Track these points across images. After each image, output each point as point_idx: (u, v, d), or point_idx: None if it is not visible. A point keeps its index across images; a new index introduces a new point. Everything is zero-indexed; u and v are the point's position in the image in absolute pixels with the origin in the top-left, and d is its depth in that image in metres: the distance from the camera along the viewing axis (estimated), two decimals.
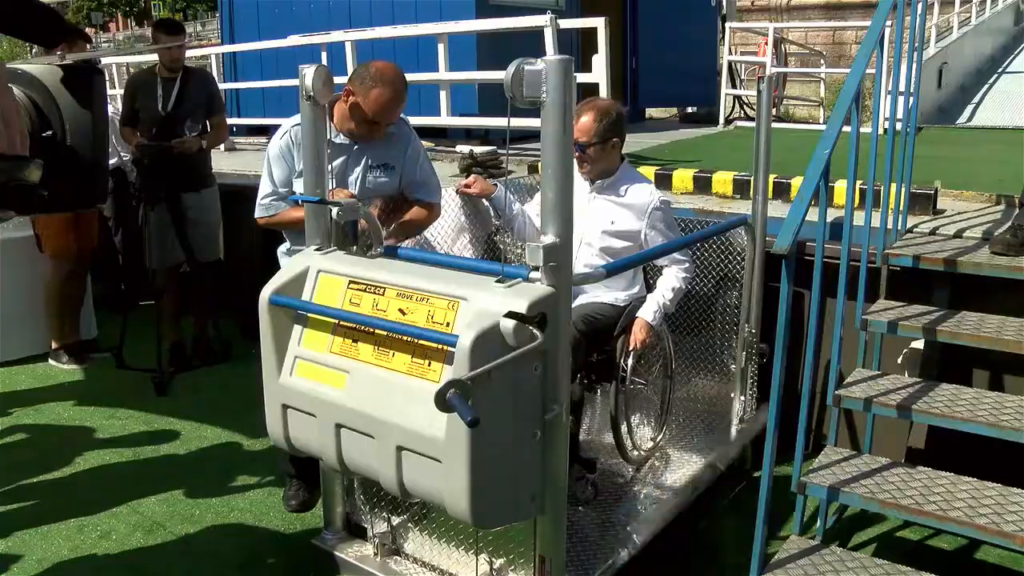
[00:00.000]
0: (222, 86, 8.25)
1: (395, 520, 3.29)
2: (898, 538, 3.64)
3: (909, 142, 3.81)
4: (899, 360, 3.87)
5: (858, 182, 3.31)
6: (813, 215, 2.90)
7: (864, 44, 3.36)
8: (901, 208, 3.87)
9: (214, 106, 5.69)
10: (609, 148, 3.62)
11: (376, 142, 3.45)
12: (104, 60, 9.77)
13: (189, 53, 6.57)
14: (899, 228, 3.88)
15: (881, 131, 3.51)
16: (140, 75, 5.96)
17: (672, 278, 3.69)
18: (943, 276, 3.65)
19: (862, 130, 3.23)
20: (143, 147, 5.41)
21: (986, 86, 13.21)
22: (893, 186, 3.73)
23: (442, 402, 2.12)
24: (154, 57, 6.03)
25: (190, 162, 5.52)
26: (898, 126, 3.84)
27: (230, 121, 6.89)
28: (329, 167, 3.12)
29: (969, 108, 12.30)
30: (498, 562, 2.95)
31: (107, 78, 11.16)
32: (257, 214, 3.58)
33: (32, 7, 0.86)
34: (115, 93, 10.19)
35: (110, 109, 7.07)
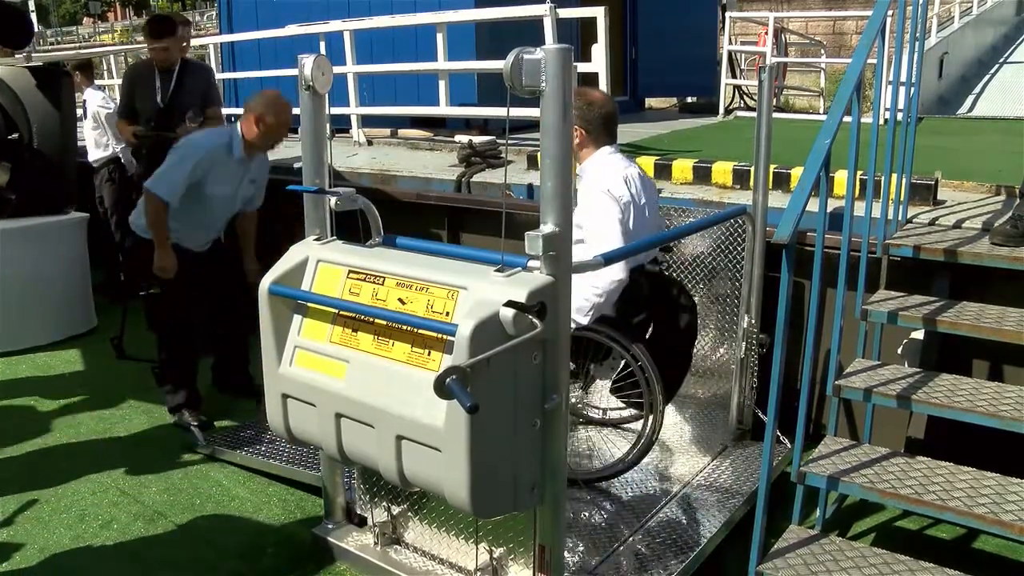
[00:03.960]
0: (220, 76, 8.23)
1: (395, 509, 3.29)
2: (897, 528, 3.65)
3: (910, 132, 3.80)
4: (899, 350, 3.87)
5: (859, 172, 3.30)
6: (813, 205, 2.90)
7: (865, 34, 3.35)
8: (901, 198, 3.87)
9: (211, 98, 5.67)
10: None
11: (257, 159, 4.57)
12: (91, 54, 9.74)
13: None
14: (899, 218, 3.88)
15: (882, 121, 3.49)
16: (138, 66, 5.90)
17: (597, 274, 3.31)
18: (943, 266, 3.65)
19: (863, 120, 3.22)
20: (141, 136, 5.41)
21: (987, 76, 13.18)
22: (894, 176, 3.72)
23: (441, 388, 2.13)
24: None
25: None
26: (899, 116, 3.84)
27: (228, 111, 6.87)
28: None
29: (970, 98, 12.28)
30: (498, 551, 2.95)
31: (104, 68, 11.16)
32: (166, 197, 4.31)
33: (3, 8, 0.85)
34: (113, 83, 10.19)
35: (106, 100, 7.08)
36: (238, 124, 4.45)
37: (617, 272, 3.29)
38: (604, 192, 3.35)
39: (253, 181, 4.68)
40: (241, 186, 4.61)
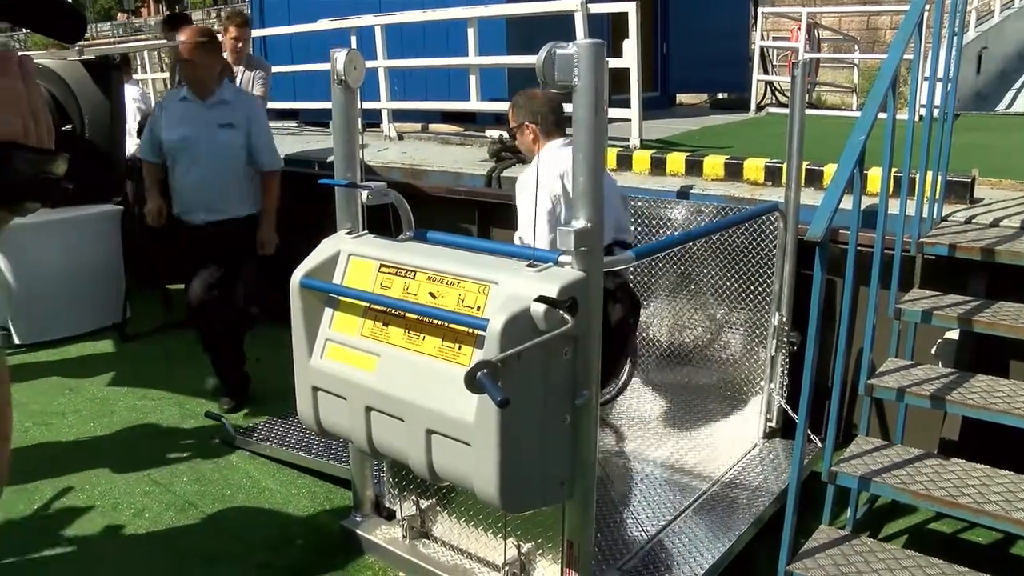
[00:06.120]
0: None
1: (424, 503, 3.30)
2: (930, 530, 3.61)
3: (946, 129, 3.74)
4: (933, 350, 3.82)
5: (893, 170, 3.26)
6: (846, 203, 2.86)
7: (902, 28, 3.30)
8: (937, 196, 3.81)
9: None
10: (520, 137, 3.58)
11: (225, 103, 4.56)
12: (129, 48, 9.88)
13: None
14: (934, 216, 3.82)
15: (917, 118, 3.44)
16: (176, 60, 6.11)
17: None
18: (980, 266, 3.59)
19: (898, 117, 3.18)
20: None
21: None
22: (929, 174, 3.67)
23: (472, 382, 2.13)
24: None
25: None
26: (935, 113, 3.78)
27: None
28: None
29: (1009, 94, 12.04)
30: (526, 547, 2.96)
31: (139, 63, 11.29)
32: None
33: (57, 4, 0.87)
34: (145, 78, 10.32)
35: (142, 97, 7.20)
36: None
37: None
38: (533, 186, 3.36)
39: (227, 125, 4.53)
40: (209, 131, 4.51)
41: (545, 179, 3.37)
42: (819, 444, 3.84)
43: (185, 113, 4.56)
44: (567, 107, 2.39)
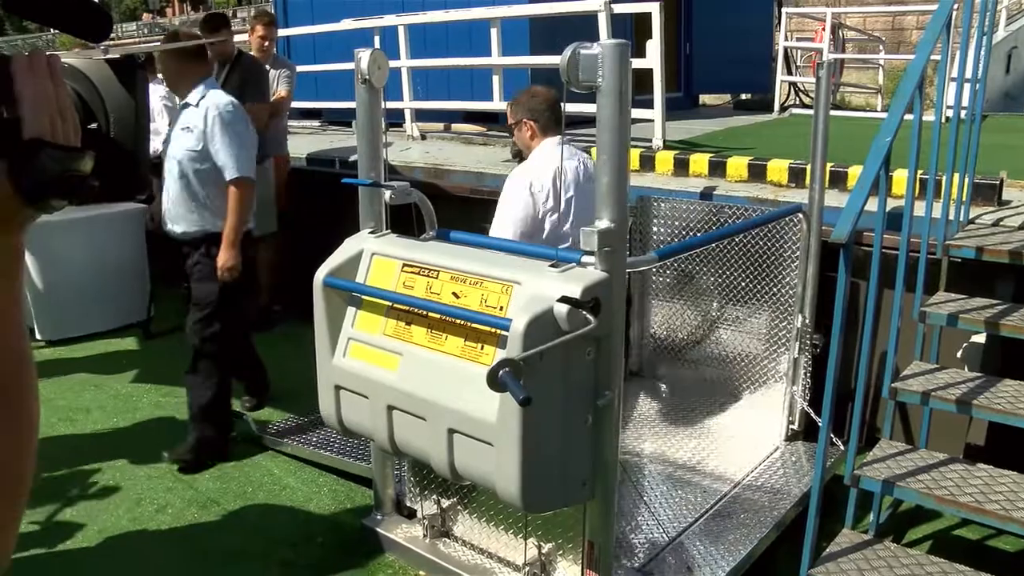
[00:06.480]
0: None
1: (445, 502, 3.31)
2: (955, 537, 3.57)
3: (974, 130, 3.70)
4: (959, 354, 3.78)
5: (919, 171, 3.23)
6: (871, 205, 2.84)
7: (930, 28, 3.27)
8: (964, 198, 3.77)
9: (246, 93, 5.82)
10: (518, 132, 3.63)
11: (191, 107, 4.20)
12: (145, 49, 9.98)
13: (241, 38, 6.68)
14: (961, 219, 3.78)
15: (944, 119, 3.41)
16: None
17: None
18: (1007, 269, 3.55)
19: (924, 117, 3.15)
20: None
21: None
22: (956, 175, 3.63)
23: (494, 380, 2.13)
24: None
25: None
26: (962, 113, 3.74)
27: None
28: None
29: None
30: (546, 547, 2.95)
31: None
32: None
33: (82, 2, 0.88)
34: None
35: (168, 96, 7.26)
36: None
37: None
38: (521, 183, 3.45)
39: (185, 129, 4.15)
40: (175, 135, 4.21)
41: (539, 173, 3.43)
42: (841, 447, 3.81)
43: (175, 116, 4.56)
44: (592, 107, 2.38)
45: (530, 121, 3.55)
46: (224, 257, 4.09)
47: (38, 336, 6.01)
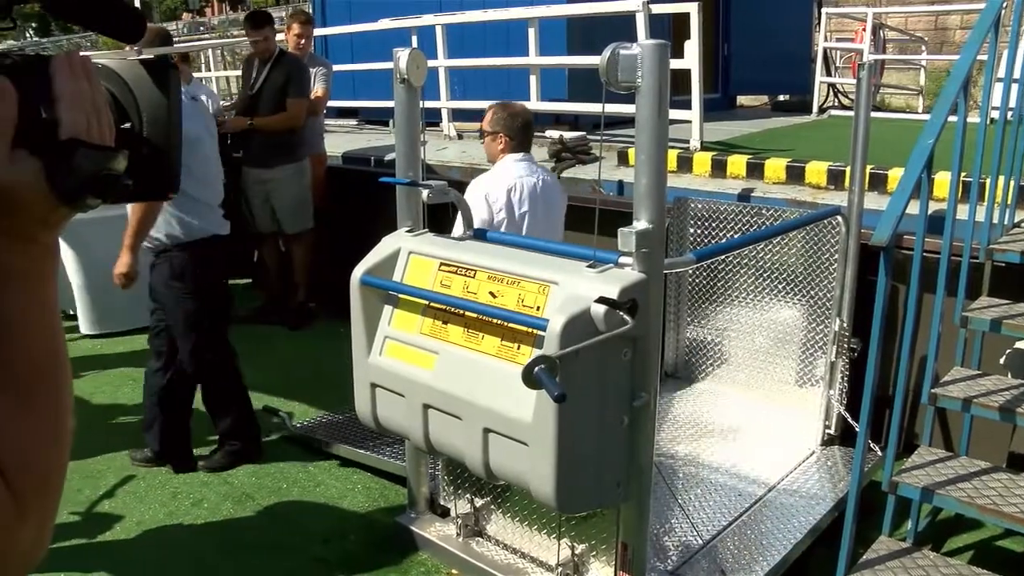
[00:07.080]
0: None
1: (478, 502, 3.31)
2: (996, 547, 3.50)
3: (1021, 132, 3.63)
4: (1001, 360, 3.71)
5: (962, 174, 3.17)
6: (912, 208, 2.80)
7: (977, 27, 3.21)
8: (1008, 201, 3.70)
9: (289, 89, 5.90)
10: (490, 140, 3.79)
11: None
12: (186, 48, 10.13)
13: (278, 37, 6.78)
14: (1005, 223, 3.71)
15: (989, 121, 3.35)
16: (250, 56, 6.28)
17: None
18: None
19: (969, 119, 3.09)
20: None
21: None
22: (1000, 179, 3.56)
23: (529, 377, 2.13)
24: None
25: (265, 139, 5.89)
26: (1008, 115, 3.67)
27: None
28: None
29: None
30: (580, 548, 2.95)
31: (202, 62, 11.55)
32: None
33: (117, 4, 0.90)
34: (209, 75, 10.55)
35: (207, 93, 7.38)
36: None
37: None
38: (480, 191, 3.63)
39: None
40: None
41: (495, 186, 3.64)
42: (879, 453, 3.76)
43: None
44: (630, 108, 2.37)
45: (505, 136, 3.73)
46: (121, 262, 3.84)
47: (82, 330, 6.13)
